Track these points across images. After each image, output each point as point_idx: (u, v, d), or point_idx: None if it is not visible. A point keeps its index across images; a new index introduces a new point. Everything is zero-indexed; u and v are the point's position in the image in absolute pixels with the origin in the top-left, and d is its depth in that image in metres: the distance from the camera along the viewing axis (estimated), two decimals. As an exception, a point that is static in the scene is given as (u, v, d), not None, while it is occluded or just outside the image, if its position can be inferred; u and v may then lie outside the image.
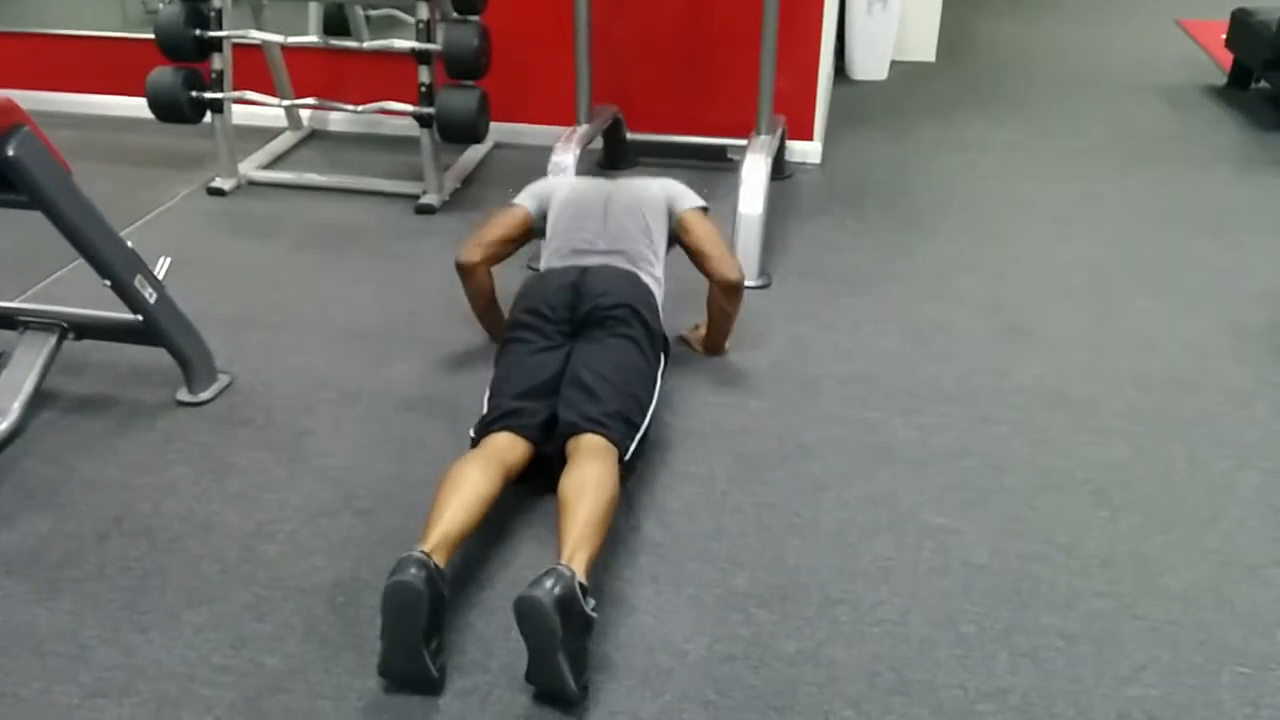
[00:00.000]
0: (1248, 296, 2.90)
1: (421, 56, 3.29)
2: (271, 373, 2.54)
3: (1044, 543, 1.97)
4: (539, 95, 3.92)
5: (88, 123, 4.22)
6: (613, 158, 3.74)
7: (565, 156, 3.21)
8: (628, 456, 2.00)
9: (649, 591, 1.85)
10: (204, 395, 2.40)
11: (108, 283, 2.12)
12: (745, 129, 3.44)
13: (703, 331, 2.58)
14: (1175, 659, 1.71)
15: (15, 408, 2.23)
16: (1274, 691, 1.65)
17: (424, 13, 3.28)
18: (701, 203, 2.48)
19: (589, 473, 1.84)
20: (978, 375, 2.52)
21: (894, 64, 4.95)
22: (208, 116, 3.51)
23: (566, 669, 1.57)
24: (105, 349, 2.52)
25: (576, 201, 2.44)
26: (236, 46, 3.54)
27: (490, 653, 1.72)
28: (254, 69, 3.73)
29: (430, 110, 3.32)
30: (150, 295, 2.18)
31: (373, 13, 4.54)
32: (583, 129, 3.37)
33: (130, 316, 2.24)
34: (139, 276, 2.15)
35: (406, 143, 3.95)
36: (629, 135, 3.72)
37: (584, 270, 2.25)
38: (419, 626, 1.58)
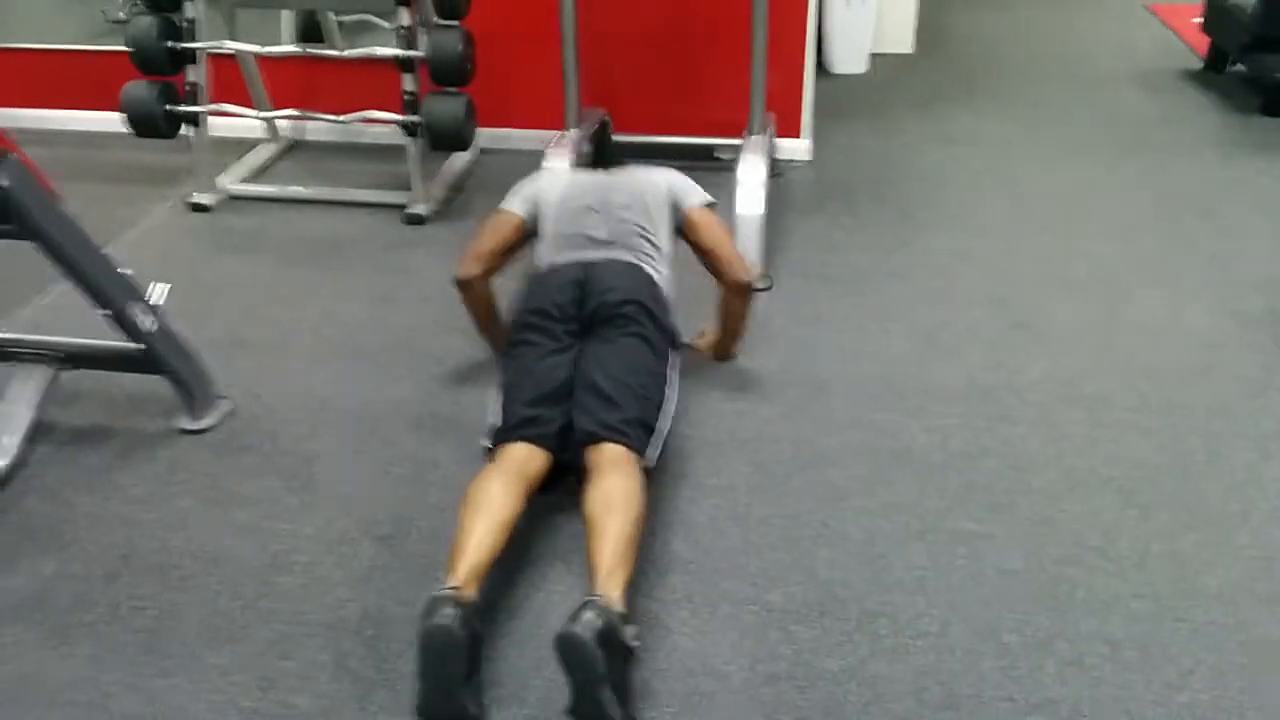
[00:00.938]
0: (1246, 283, 2.91)
1: (405, 64, 3.22)
2: (271, 396, 2.46)
3: (1076, 545, 1.96)
4: (521, 99, 3.85)
5: (53, 139, 4.09)
6: (599, 160, 3.67)
7: (558, 163, 3.15)
8: (652, 464, 1.95)
9: (684, 612, 1.82)
10: (205, 422, 2.32)
11: (106, 312, 2.03)
12: (733, 128, 3.40)
13: (709, 338, 2.54)
14: (1220, 661, 1.70)
15: (13, 444, 2.14)
16: (1320, 688, 1.65)
17: (406, 19, 3.21)
18: (709, 199, 2.40)
19: (615, 488, 1.79)
20: (988, 373, 2.51)
21: (873, 57, 4.93)
22: (184, 130, 3.41)
23: (612, 703, 1.52)
24: (98, 377, 2.43)
25: (574, 196, 2.34)
26: (210, 57, 3.44)
27: (526, 685, 1.67)
28: (228, 80, 3.62)
29: (416, 119, 3.24)
30: (149, 323, 2.10)
31: (346, 19, 4.45)
32: (574, 133, 3.32)
33: (128, 345, 2.16)
34: (136, 305, 2.07)
35: (388, 151, 3.87)
36: (615, 137, 3.67)
37: (588, 265, 2.17)
38: (458, 669, 1.53)
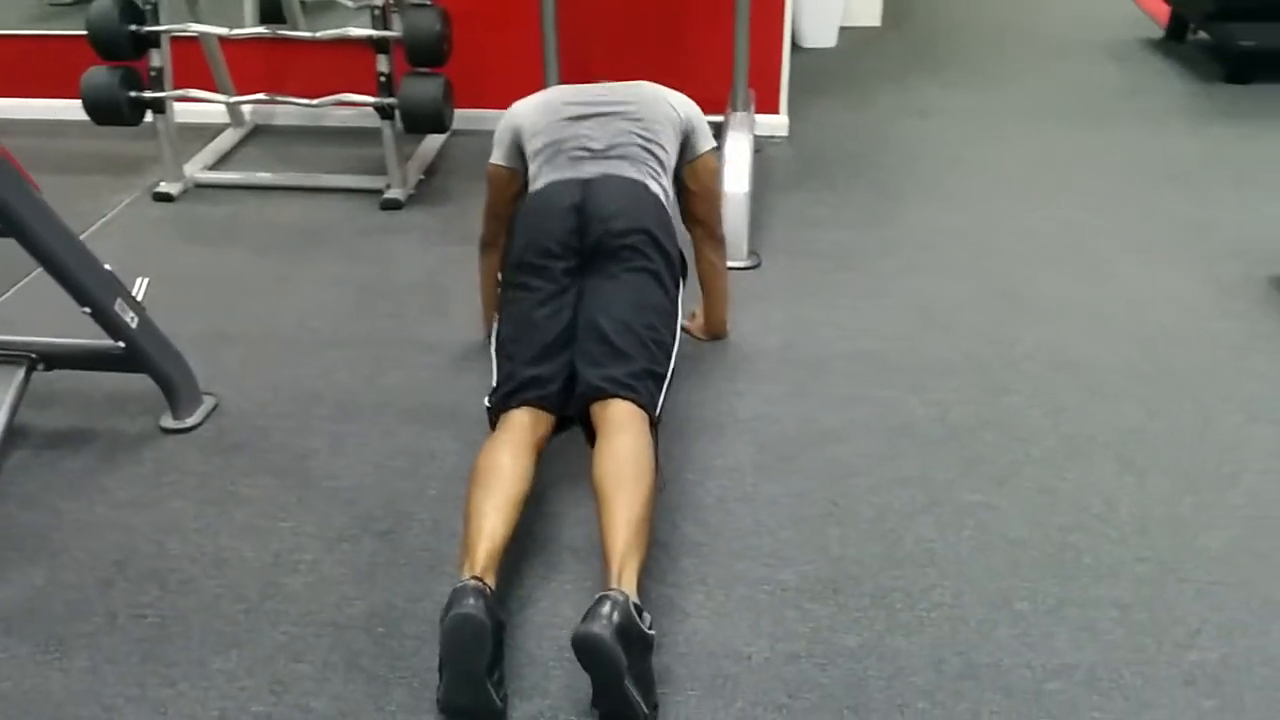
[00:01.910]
0: (1224, 250, 2.95)
1: (380, 45, 3.14)
2: (259, 390, 2.40)
3: (1079, 512, 1.98)
4: (495, 79, 3.78)
5: (5, 128, 3.93)
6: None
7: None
8: (658, 412, 1.89)
9: (699, 595, 1.80)
10: (191, 420, 2.26)
11: (87, 310, 1.96)
12: (714, 105, 3.36)
13: (700, 319, 2.52)
14: (1226, 619, 1.73)
15: (-12, 450, 2.06)
16: (1327, 646, 1.68)
17: (378, -2, 3.13)
18: (714, 143, 2.28)
19: (626, 457, 1.72)
20: (981, 345, 2.52)
21: (841, 30, 4.92)
22: (148, 117, 3.30)
23: (635, 695, 1.50)
24: (73, 377, 2.34)
25: (557, 107, 2.15)
26: (171, 40, 3.32)
27: (547, 674, 1.65)
28: (190, 64, 3.51)
29: (392, 101, 3.17)
30: (131, 320, 2.03)
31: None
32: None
33: (107, 343, 2.08)
34: (119, 300, 2.00)
35: (358, 134, 3.80)
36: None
37: (584, 184, 2.02)
38: (483, 659, 1.50)
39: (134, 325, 2.04)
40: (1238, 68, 4.17)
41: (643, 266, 1.97)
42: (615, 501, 1.66)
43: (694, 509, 2.00)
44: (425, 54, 3.09)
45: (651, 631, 1.56)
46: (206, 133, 3.81)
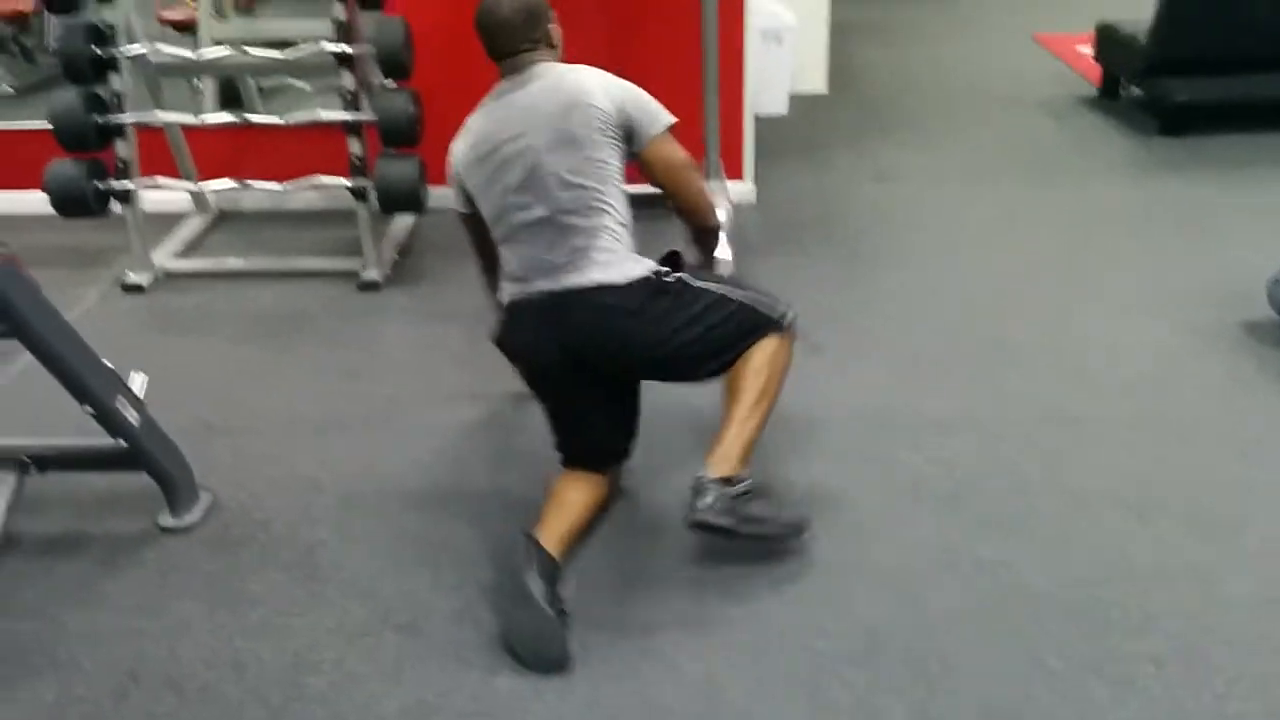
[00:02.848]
0: (1186, 296, 3.06)
1: (352, 128, 3.14)
2: (254, 483, 2.34)
3: (1097, 565, 2.01)
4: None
5: (-43, 223, 3.84)
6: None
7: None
8: (776, 317, 2.08)
9: (733, 668, 1.78)
10: (190, 518, 2.19)
11: (89, 409, 1.90)
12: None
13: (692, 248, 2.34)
14: (1263, 669, 1.75)
15: (-17, 562, 1.97)
16: (1353, 683, 1.72)
17: (350, 82, 3.14)
18: (669, 120, 2.06)
19: (753, 362, 2.03)
20: (973, 400, 2.57)
21: (791, 98, 5.07)
22: (115, 207, 3.25)
23: (760, 530, 1.95)
24: (61, 478, 2.25)
25: (485, 155, 2.02)
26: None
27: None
28: (152, 151, 3.47)
29: (366, 183, 3.17)
30: (134, 417, 1.97)
31: (266, 84, 4.34)
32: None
33: (104, 442, 2.02)
34: (120, 398, 1.94)
35: (325, 217, 3.78)
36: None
37: (558, 306, 1.96)
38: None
39: (136, 423, 1.98)
40: (1172, 121, 4.39)
41: (665, 371, 2.10)
42: (733, 393, 2.01)
43: (719, 581, 1.99)
44: (399, 136, 3.10)
45: (750, 488, 1.93)
46: (169, 221, 3.74)
